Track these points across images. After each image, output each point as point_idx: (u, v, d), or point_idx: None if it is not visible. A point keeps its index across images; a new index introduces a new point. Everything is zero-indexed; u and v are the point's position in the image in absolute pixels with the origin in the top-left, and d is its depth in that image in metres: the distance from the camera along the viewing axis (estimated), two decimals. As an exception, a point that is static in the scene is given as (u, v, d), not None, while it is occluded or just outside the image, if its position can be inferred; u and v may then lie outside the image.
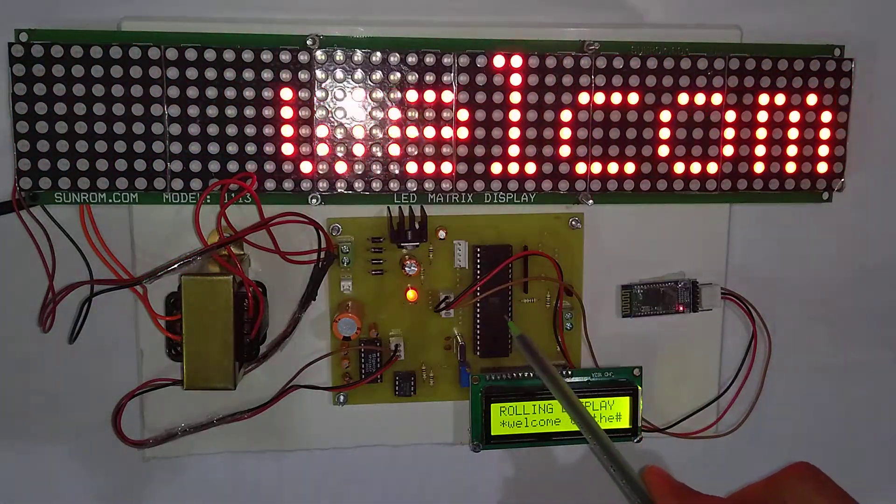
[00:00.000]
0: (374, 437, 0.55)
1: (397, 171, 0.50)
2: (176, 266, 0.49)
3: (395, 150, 0.50)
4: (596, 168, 0.52)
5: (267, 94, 0.49)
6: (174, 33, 0.48)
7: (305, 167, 0.50)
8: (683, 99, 0.52)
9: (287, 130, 0.49)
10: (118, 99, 0.48)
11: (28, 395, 0.53)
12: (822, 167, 0.54)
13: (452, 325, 0.54)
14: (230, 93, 0.49)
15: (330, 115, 0.50)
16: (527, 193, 0.52)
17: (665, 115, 0.52)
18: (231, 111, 0.49)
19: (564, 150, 0.51)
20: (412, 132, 0.50)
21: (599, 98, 0.51)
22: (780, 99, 0.53)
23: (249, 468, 0.56)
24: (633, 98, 0.51)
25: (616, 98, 0.51)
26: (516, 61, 0.50)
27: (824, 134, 0.53)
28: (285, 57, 0.49)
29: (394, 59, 0.49)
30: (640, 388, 0.53)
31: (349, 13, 0.52)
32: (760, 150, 0.53)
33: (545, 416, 0.52)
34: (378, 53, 0.49)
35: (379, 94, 0.50)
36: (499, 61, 0.50)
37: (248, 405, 0.52)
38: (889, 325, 0.60)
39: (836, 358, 0.60)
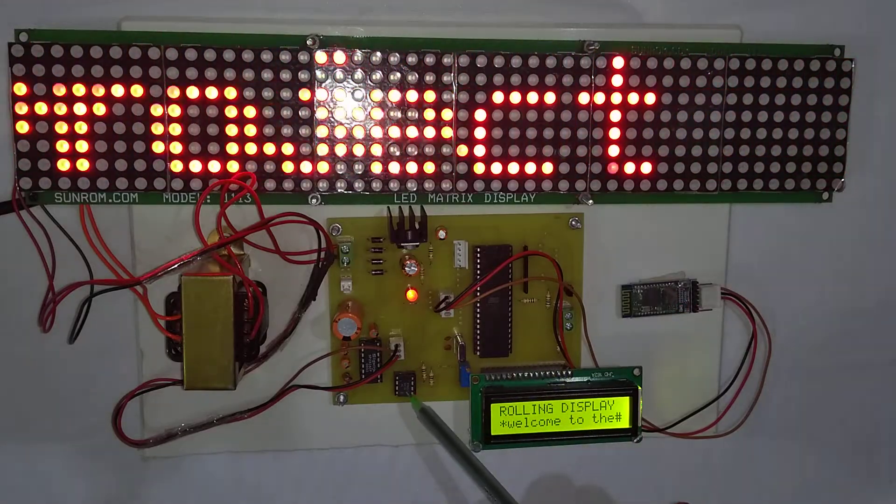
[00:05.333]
0: (374, 437, 0.55)
1: (397, 171, 0.50)
2: (176, 266, 0.49)
3: (395, 150, 0.50)
4: (596, 168, 0.52)
5: (267, 94, 0.49)
6: (174, 33, 0.48)
7: (305, 167, 0.50)
8: (683, 99, 0.52)
9: (287, 130, 0.49)
10: (118, 99, 0.48)
11: (28, 395, 0.53)
12: (822, 167, 0.54)
13: (452, 325, 0.54)
14: (230, 93, 0.49)
15: (330, 115, 0.50)
16: (527, 193, 0.52)
17: (665, 115, 0.52)
18: (231, 111, 0.49)
19: (564, 150, 0.51)
20: (412, 132, 0.50)
21: (599, 98, 0.51)
22: (780, 99, 0.52)
23: (249, 468, 0.56)
24: (633, 98, 0.51)
25: (616, 98, 0.51)
26: (516, 61, 0.50)
27: (824, 134, 0.53)
28: (285, 57, 0.49)
29: (394, 59, 0.49)
30: (640, 388, 0.53)
31: (349, 13, 0.52)
32: (760, 150, 0.53)
33: (545, 416, 0.52)
34: (378, 53, 0.49)
35: (379, 94, 0.50)
36: (499, 61, 0.50)
37: (248, 405, 0.52)
38: (888, 325, 0.60)
39: (836, 358, 0.60)
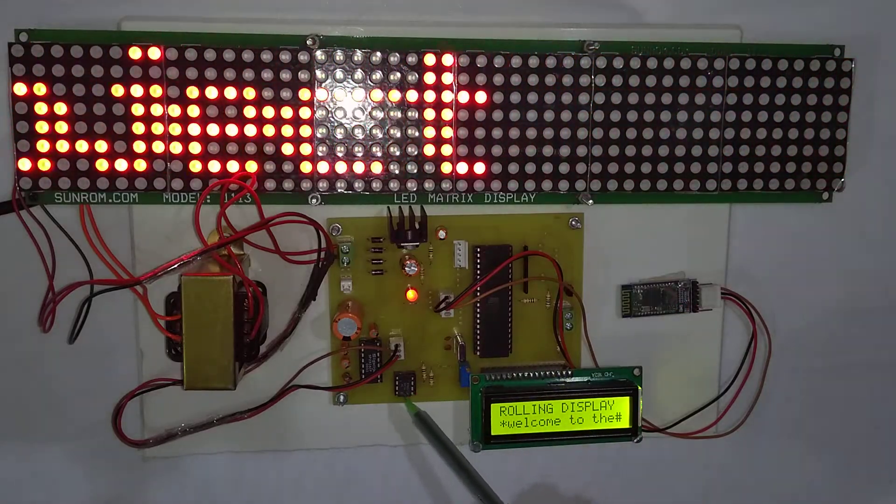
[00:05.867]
0: (374, 437, 0.55)
1: (397, 171, 0.50)
2: (176, 266, 0.49)
3: (395, 150, 0.50)
4: (596, 168, 0.52)
5: (267, 94, 0.49)
6: (174, 33, 0.48)
7: (305, 167, 0.50)
8: (683, 99, 0.52)
9: (287, 130, 0.49)
10: (118, 99, 0.48)
11: (28, 395, 0.53)
12: (822, 167, 0.54)
13: (452, 325, 0.54)
14: (230, 93, 0.49)
15: (330, 115, 0.50)
16: (527, 193, 0.52)
17: (665, 115, 0.52)
18: (231, 111, 0.49)
19: (564, 150, 0.51)
20: (412, 132, 0.50)
21: (599, 98, 0.51)
22: (780, 99, 0.52)
23: (249, 468, 0.56)
24: (633, 98, 0.51)
25: (616, 98, 0.51)
26: (516, 61, 0.50)
27: (824, 134, 0.53)
28: (285, 57, 0.49)
29: (394, 59, 0.49)
30: (640, 388, 0.53)
31: (349, 13, 0.52)
32: (760, 150, 0.53)
33: (545, 416, 0.52)
34: (378, 53, 0.49)
35: (379, 94, 0.50)
36: (499, 61, 0.50)
37: (248, 405, 0.52)
38: (889, 325, 0.60)
39: (836, 358, 0.60)
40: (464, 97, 0.50)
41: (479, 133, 0.50)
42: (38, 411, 0.54)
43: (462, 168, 0.51)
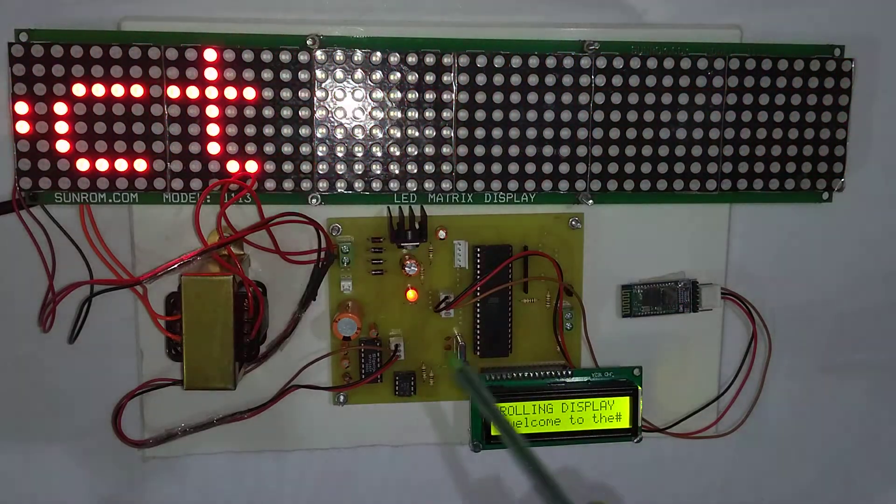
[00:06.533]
0: (374, 437, 0.55)
1: (397, 171, 0.50)
2: (176, 266, 0.49)
3: (395, 150, 0.50)
4: (596, 168, 0.52)
5: (267, 94, 0.49)
6: (174, 33, 0.48)
7: (305, 167, 0.50)
8: (683, 99, 0.52)
9: (287, 130, 0.49)
10: (118, 99, 0.48)
11: (28, 395, 0.53)
12: (822, 167, 0.54)
13: (452, 325, 0.54)
14: (230, 93, 0.49)
15: (330, 115, 0.50)
16: (527, 193, 0.52)
17: (665, 115, 0.52)
18: (231, 111, 0.49)
19: (564, 150, 0.51)
20: (412, 132, 0.50)
21: (599, 98, 0.51)
22: (780, 99, 0.53)
23: (249, 468, 0.56)
24: (633, 98, 0.51)
25: (616, 98, 0.51)
26: (516, 61, 0.50)
27: (824, 134, 0.53)
28: (285, 57, 0.49)
29: (394, 59, 0.49)
30: (640, 388, 0.53)
31: (349, 13, 0.52)
32: (760, 150, 0.53)
33: (545, 416, 0.52)
34: (378, 53, 0.49)
35: (379, 94, 0.50)
36: (499, 61, 0.50)
37: (248, 405, 0.52)
38: (889, 325, 0.60)
39: (836, 358, 0.60)
40: (464, 97, 0.50)
41: (479, 133, 0.51)
42: (38, 411, 0.54)
43: (462, 168, 0.51)
